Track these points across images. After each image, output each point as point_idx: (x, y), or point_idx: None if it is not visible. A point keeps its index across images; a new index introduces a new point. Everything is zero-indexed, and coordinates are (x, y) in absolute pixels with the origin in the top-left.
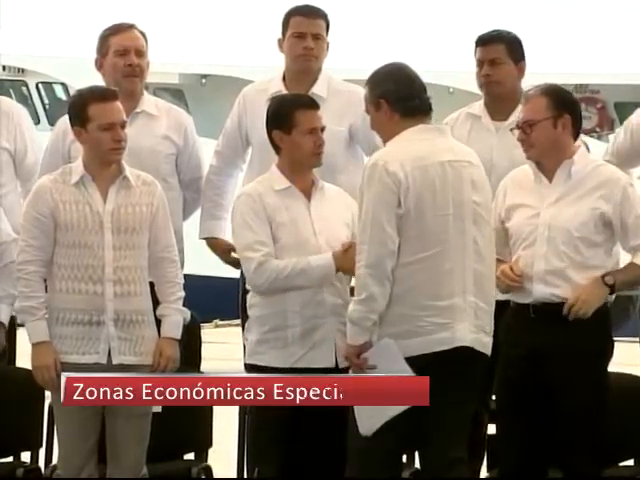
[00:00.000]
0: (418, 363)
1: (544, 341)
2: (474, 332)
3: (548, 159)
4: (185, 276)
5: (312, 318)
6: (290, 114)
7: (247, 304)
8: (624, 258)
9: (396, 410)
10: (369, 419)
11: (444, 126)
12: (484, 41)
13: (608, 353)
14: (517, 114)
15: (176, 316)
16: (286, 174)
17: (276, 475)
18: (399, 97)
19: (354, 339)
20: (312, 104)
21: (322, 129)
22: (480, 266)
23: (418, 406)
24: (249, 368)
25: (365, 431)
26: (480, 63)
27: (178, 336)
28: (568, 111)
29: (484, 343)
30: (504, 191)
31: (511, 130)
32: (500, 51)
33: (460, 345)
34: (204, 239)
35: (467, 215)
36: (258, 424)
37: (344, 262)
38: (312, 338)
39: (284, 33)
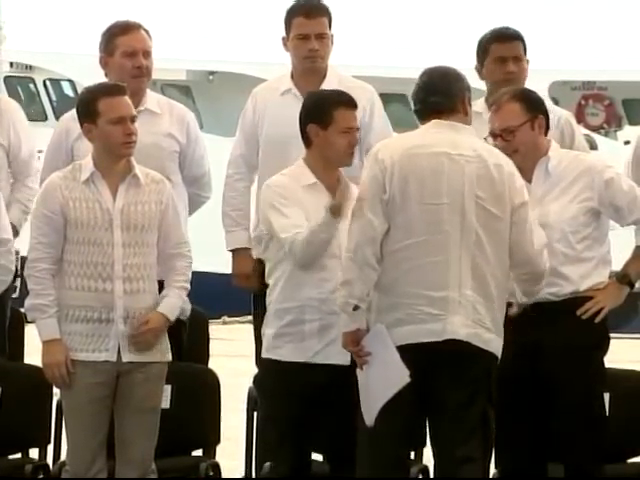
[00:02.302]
0: (411, 353)
1: (541, 338)
2: (470, 327)
3: (527, 161)
4: (193, 273)
5: (330, 314)
6: (329, 110)
7: (267, 299)
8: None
9: (386, 396)
10: (369, 408)
11: (461, 124)
12: (507, 37)
13: (604, 347)
14: None
15: (175, 300)
16: (313, 169)
17: (289, 474)
18: (414, 103)
19: (344, 326)
20: (352, 103)
21: (357, 129)
22: (481, 261)
23: (420, 403)
24: (266, 363)
25: (368, 421)
26: (502, 60)
27: (171, 316)
28: (540, 111)
29: (484, 339)
30: None
31: (485, 139)
32: (520, 48)
33: (452, 338)
34: (234, 250)
35: (469, 208)
36: (271, 420)
37: (335, 202)
38: (329, 334)
39: (287, 33)
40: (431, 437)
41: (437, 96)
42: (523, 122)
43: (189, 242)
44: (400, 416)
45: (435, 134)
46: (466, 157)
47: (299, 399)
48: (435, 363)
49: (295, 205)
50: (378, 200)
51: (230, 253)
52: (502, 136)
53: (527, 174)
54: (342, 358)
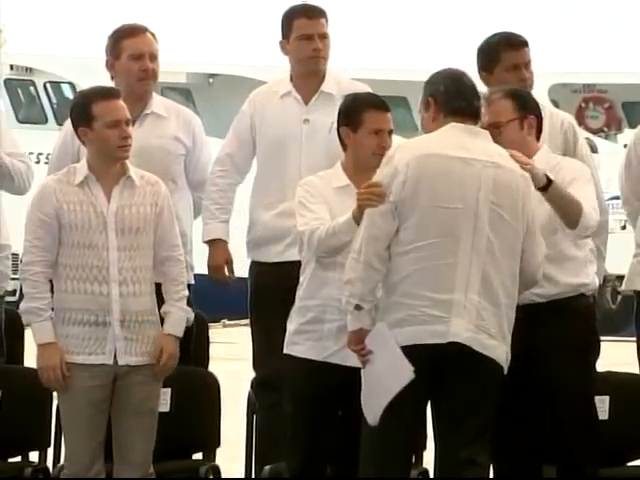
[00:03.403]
0: (413, 354)
1: (530, 341)
2: (473, 331)
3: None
4: (194, 275)
5: None
6: (359, 112)
7: (296, 296)
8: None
9: (390, 393)
10: (373, 407)
11: (478, 129)
12: (519, 44)
13: (594, 348)
14: None
15: (179, 314)
16: (348, 172)
17: (298, 474)
18: (446, 98)
19: (349, 325)
20: (382, 106)
21: (390, 132)
22: (492, 267)
23: (424, 405)
24: (285, 358)
25: (372, 420)
26: (516, 67)
27: (180, 334)
28: (532, 112)
29: (485, 345)
30: None
31: None
32: (530, 53)
33: (455, 341)
34: (209, 241)
35: (482, 213)
36: (286, 416)
37: (359, 201)
38: (347, 336)
39: (287, 35)
40: (435, 439)
41: (480, 101)
42: (511, 119)
43: (181, 245)
44: (404, 417)
45: (451, 138)
46: (482, 162)
47: (313, 398)
48: (438, 365)
49: (322, 203)
50: (387, 202)
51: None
52: (490, 131)
53: None
54: (357, 360)
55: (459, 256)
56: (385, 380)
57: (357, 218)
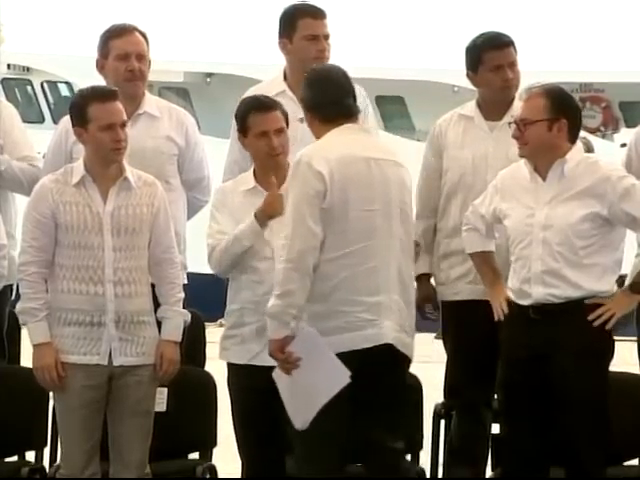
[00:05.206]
0: (349, 359)
1: (544, 341)
2: (397, 331)
3: (540, 158)
4: (189, 274)
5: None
6: (245, 118)
7: None
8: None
9: (325, 397)
10: (302, 412)
11: (369, 127)
12: (501, 45)
13: (608, 352)
14: (511, 113)
15: (177, 318)
16: (256, 175)
17: (244, 475)
18: (314, 104)
19: (274, 333)
20: (265, 106)
21: (278, 130)
22: (404, 266)
23: (353, 404)
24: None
25: (300, 425)
26: (499, 67)
27: (178, 338)
28: (566, 116)
29: (405, 343)
30: (497, 187)
31: (509, 124)
32: (514, 53)
33: (385, 342)
34: None
35: (394, 214)
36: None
37: (265, 208)
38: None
39: (290, 35)
40: (364, 434)
41: (351, 98)
42: (540, 119)
43: (176, 247)
44: (339, 418)
45: (355, 140)
46: (386, 161)
47: (244, 402)
48: (369, 365)
49: (227, 214)
50: (317, 209)
51: None
52: (518, 125)
53: (542, 172)
54: None
55: (379, 258)
56: (319, 385)
57: (261, 221)
